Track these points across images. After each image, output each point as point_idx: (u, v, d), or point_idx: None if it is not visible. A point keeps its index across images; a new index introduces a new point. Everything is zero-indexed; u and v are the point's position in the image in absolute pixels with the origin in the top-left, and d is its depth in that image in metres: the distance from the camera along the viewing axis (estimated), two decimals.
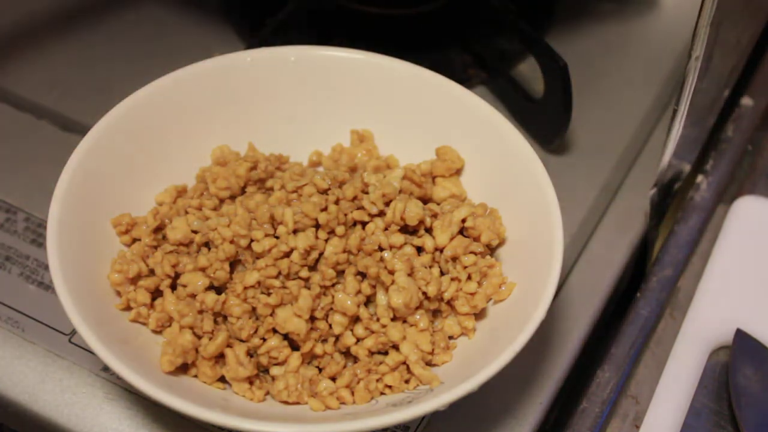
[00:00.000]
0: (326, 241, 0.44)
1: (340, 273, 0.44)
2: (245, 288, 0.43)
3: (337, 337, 0.44)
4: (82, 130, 0.49)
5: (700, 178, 0.57)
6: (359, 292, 0.43)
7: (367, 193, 0.45)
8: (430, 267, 0.45)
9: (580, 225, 0.54)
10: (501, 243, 0.47)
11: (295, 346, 0.44)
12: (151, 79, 0.49)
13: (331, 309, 0.43)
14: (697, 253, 0.54)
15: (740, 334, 0.49)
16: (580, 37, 0.63)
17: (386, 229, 0.45)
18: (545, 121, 0.56)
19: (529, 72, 0.58)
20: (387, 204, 0.45)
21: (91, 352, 0.46)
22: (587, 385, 0.48)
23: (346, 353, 0.44)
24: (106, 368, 0.47)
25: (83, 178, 0.45)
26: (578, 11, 0.65)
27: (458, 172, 0.50)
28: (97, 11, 0.62)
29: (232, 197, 0.47)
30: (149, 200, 0.48)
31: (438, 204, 0.48)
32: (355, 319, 0.44)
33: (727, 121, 0.59)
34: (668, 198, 0.55)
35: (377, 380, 0.43)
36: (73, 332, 0.48)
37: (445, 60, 0.60)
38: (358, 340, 0.44)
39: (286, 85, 0.51)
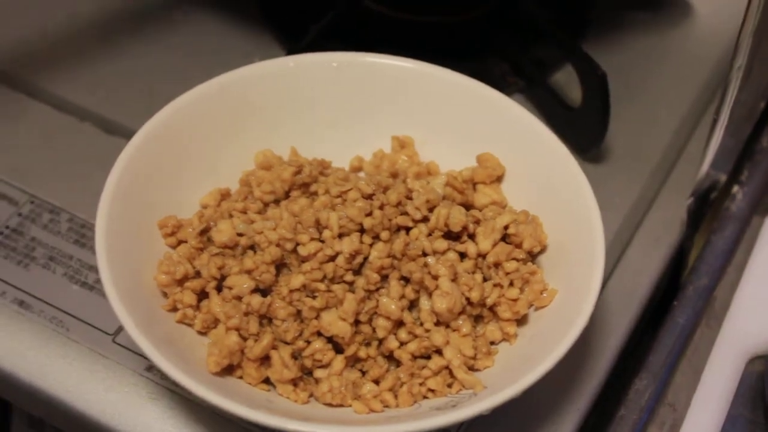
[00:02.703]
0: (371, 245, 0.44)
1: (385, 277, 0.44)
2: (291, 291, 0.43)
3: (381, 341, 0.44)
4: (124, 133, 0.50)
5: (735, 188, 0.57)
6: (403, 296, 0.44)
7: (411, 198, 0.45)
8: (473, 273, 0.45)
9: (616, 233, 0.54)
10: (542, 250, 0.47)
11: (339, 349, 0.44)
12: (192, 83, 0.49)
13: (375, 313, 0.44)
14: (732, 263, 0.54)
15: None
16: (616, 46, 0.63)
17: (430, 234, 0.45)
18: (582, 129, 0.56)
19: (567, 80, 0.58)
20: (430, 210, 0.45)
21: (135, 352, 0.47)
22: (625, 392, 0.48)
23: (390, 357, 0.44)
24: (149, 368, 0.47)
25: (130, 180, 0.46)
26: (614, 21, 0.65)
27: (499, 179, 0.50)
28: (139, 15, 0.63)
29: (276, 201, 0.48)
30: (194, 203, 0.49)
31: (480, 210, 0.48)
32: (399, 324, 0.44)
33: (762, 132, 0.60)
34: (705, 207, 0.55)
35: (420, 384, 0.43)
36: (117, 332, 0.48)
37: (484, 68, 0.60)
38: (402, 344, 0.44)
39: (328, 90, 0.51)
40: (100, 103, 0.58)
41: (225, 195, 0.49)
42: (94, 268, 0.50)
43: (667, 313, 0.51)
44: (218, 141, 0.50)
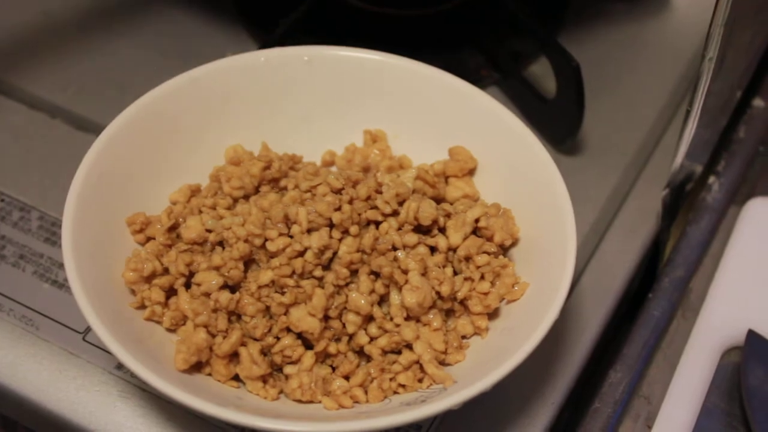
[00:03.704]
0: (340, 240, 0.44)
1: (354, 272, 0.44)
2: (259, 287, 0.43)
3: (351, 336, 0.44)
4: (96, 129, 0.49)
5: (711, 179, 0.57)
6: (373, 291, 0.44)
7: (380, 192, 0.45)
8: (444, 267, 0.45)
9: (592, 225, 0.54)
10: (514, 243, 0.47)
11: (308, 345, 0.44)
12: (164, 79, 0.49)
13: (345, 308, 0.44)
14: (708, 254, 0.54)
15: (752, 335, 0.49)
16: (592, 37, 0.63)
17: (400, 228, 0.45)
18: (557, 121, 0.56)
19: (542, 72, 0.58)
20: (400, 204, 0.45)
21: (105, 351, 0.46)
22: (599, 385, 0.48)
23: (360, 352, 0.44)
24: (119, 366, 0.47)
25: (98, 177, 0.45)
26: (590, 12, 0.65)
27: (471, 172, 0.50)
28: (110, 11, 0.63)
29: (246, 197, 0.47)
30: (163, 199, 0.48)
31: (451, 204, 0.48)
32: (369, 319, 0.44)
33: (738, 123, 0.59)
34: (680, 199, 0.55)
35: (390, 379, 0.43)
36: (87, 330, 0.48)
37: (458, 60, 0.60)
38: (372, 339, 0.44)
39: (300, 85, 0.51)
40: (71, 100, 0.57)
41: (195, 191, 0.49)
42: (64, 266, 0.49)
43: (643, 305, 0.51)
44: (189, 136, 0.50)
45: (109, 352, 0.44)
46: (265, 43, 0.55)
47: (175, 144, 0.49)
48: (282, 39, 0.55)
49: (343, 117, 0.52)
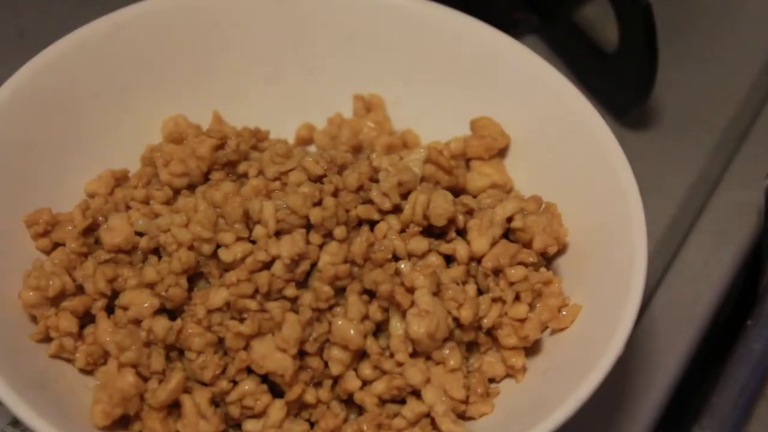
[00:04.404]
0: (321, 247, 0.44)
1: (340, 291, 0.44)
2: (209, 311, 0.43)
3: (336, 380, 0.44)
4: None
5: None
6: (366, 317, 0.43)
7: (377, 181, 0.45)
8: (464, 283, 0.45)
9: (667, 227, 0.54)
10: (561, 251, 0.47)
11: (277, 392, 0.44)
12: (76, 25, 0.49)
13: (328, 341, 0.43)
14: None
15: None
16: None
17: (403, 230, 0.45)
18: (619, 82, 0.56)
19: (598, 16, 0.58)
20: (404, 197, 0.45)
21: None
22: None
23: (348, 401, 0.44)
24: (15, 422, 0.46)
25: None
26: None
27: (501, 153, 0.50)
28: None
29: (191, 187, 0.47)
30: (76, 191, 0.48)
31: (474, 197, 0.48)
32: (361, 355, 0.44)
33: None
34: None
35: None
36: None
37: (485, 0, 0.59)
38: (365, 383, 0.44)
39: (268, 32, 0.51)
40: None
41: (120, 179, 0.49)
42: None
43: (739, 336, 0.51)
44: (110, 104, 0.50)
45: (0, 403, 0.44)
46: None
47: (92, 114, 0.49)
48: None
49: (325, 76, 0.52)
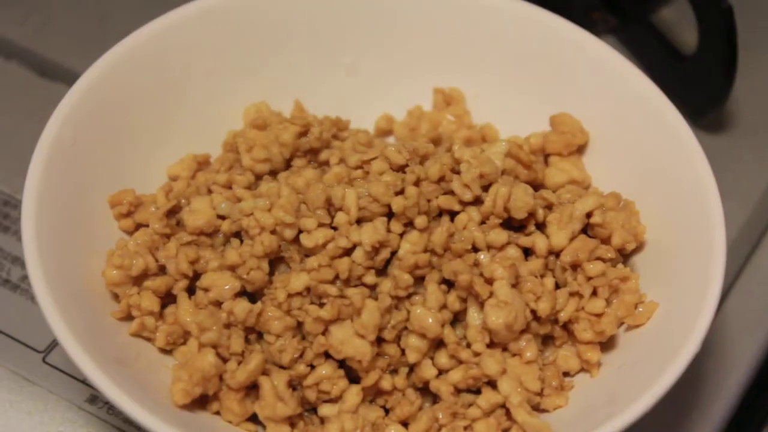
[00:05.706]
0: (401, 235, 0.44)
1: (419, 280, 0.44)
2: (289, 295, 0.43)
3: (412, 368, 0.44)
4: (65, 77, 0.50)
5: None
6: (444, 306, 0.44)
7: (458, 173, 0.45)
8: (542, 276, 0.45)
9: (742, 228, 0.54)
10: (638, 248, 0.47)
11: (354, 378, 0.44)
12: (158, 12, 0.49)
13: (406, 328, 0.44)
14: None
15: None
16: None
17: (483, 222, 0.45)
18: (698, 84, 0.56)
19: (677, 17, 0.58)
20: (485, 188, 0.45)
21: (74, 377, 0.47)
22: None
23: (424, 389, 0.44)
24: (93, 399, 0.47)
25: (71, 141, 0.46)
26: None
27: (580, 149, 0.50)
28: None
29: (273, 173, 0.47)
30: (160, 173, 0.49)
31: (553, 191, 0.48)
32: (438, 344, 0.44)
33: None
34: None
35: (465, 428, 0.43)
36: (50, 348, 0.48)
37: (563, 0, 0.59)
38: (441, 372, 0.44)
39: (348, 24, 0.52)
40: (31, 36, 0.58)
41: (202, 163, 0.49)
42: (19, 261, 0.50)
43: None
44: (194, 90, 0.50)
45: (79, 380, 0.44)
46: None
47: (175, 100, 0.50)
48: None
49: (405, 69, 0.52)
